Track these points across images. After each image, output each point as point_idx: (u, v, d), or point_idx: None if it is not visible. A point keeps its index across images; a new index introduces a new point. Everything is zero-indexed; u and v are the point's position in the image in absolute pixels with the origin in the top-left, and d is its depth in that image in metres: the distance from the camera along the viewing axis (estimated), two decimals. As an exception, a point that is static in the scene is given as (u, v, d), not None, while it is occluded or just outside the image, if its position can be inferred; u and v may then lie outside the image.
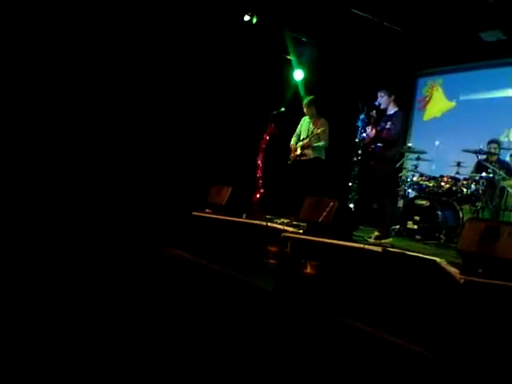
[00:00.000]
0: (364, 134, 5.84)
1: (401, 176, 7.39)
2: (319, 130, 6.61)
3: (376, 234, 5.56)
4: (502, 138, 7.82)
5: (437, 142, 7.83)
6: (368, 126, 5.74)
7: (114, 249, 4.89)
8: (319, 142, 6.70)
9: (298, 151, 6.77)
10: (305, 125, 6.95)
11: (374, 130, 5.61)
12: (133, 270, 4.28)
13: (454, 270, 3.82)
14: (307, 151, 6.74)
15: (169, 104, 7.45)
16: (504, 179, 6.43)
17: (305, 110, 6.93)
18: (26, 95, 6.13)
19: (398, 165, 6.58)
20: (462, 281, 3.62)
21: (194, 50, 7.51)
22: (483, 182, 6.44)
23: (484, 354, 3.04)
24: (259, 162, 7.02)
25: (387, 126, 5.57)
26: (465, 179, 6.72)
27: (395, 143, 5.64)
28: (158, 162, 7.29)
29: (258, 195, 6.97)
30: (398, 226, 6.77)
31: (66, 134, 6.41)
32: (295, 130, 7.05)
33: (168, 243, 5.56)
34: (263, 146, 7.02)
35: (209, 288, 4.15)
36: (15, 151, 5.95)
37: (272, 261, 5.61)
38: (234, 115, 7.95)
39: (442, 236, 6.29)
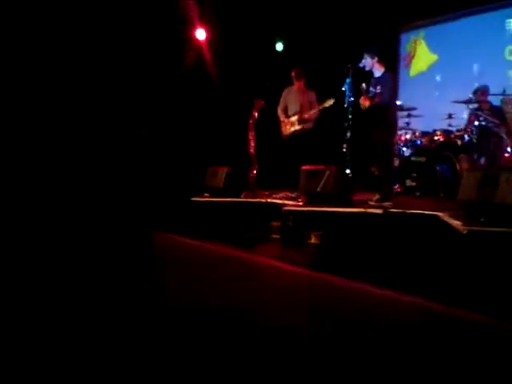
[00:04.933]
0: (352, 99, 5.82)
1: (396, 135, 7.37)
2: (325, 103, 6.50)
3: (377, 196, 5.57)
4: (491, 84, 7.74)
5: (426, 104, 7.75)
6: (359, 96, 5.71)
7: (113, 242, 4.90)
8: (313, 113, 6.66)
9: (296, 126, 6.72)
10: (292, 97, 6.88)
11: (367, 100, 5.58)
12: (133, 262, 4.30)
13: (456, 223, 3.83)
14: (306, 124, 6.69)
15: (153, 92, 7.38)
16: (498, 126, 6.40)
17: (294, 81, 6.86)
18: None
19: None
20: (465, 231, 3.64)
21: (172, 36, 7.43)
22: (477, 131, 6.42)
23: (491, 302, 3.06)
24: (251, 139, 6.98)
25: (378, 91, 5.54)
26: (458, 131, 6.70)
27: (390, 106, 5.63)
28: (150, 151, 7.26)
29: (253, 172, 6.96)
30: (397, 186, 6.78)
31: (55, 128, 6.34)
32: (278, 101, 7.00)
33: (169, 230, 5.57)
34: (252, 122, 6.98)
35: (214, 269, 4.17)
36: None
37: (276, 235, 5.63)
38: (219, 95, 7.88)
39: (441, 190, 6.30)
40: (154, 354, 2.45)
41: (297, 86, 6.84)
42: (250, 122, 6.99)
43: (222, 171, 6.86)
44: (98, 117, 6.82)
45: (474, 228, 3.66)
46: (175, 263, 4.41)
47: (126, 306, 3.03)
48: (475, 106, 6.79)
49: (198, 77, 7.76)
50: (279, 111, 6.96)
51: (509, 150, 6.25)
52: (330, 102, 6.39)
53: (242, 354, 2.41)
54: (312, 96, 6.71)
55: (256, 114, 6.97)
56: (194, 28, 7.82)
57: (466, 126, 6.69)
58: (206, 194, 6.93)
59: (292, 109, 6.81)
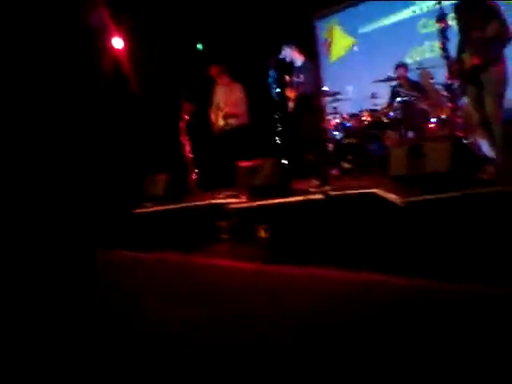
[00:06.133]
0: (278, 90, 5.94)
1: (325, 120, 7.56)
2: (240, 95, 6.57)
3: (316, 182, 5.71)
4: (408, 60, 8.11)
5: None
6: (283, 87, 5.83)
7: (49, 259, 4.74)
8: (240, 107, 6.70)
9: (221, 122, 6.70)
10: (220, 94, 6.87)
11: (292, 92, 5.69)
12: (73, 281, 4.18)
13: (393, 196, 4.01)
14: (231, 120, 6.70)
15: (76, 103, 7.17)
16: (419, 99, 6.71)
17: (217, 79, 6.86)
18: None
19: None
20: (402, 204, 3.82)
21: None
22: (400, 107, 6.70)
23: (438, 265, 3.24)
24: (184, 143, 6.94)
25: (300, 80, 5.67)
26: (382, 108, 6.96)
27: (315, 92, 5.78)
28: (82, 163, 7.05)
29: (192, 176, 6.94)
30: (334, 169, 6.97)
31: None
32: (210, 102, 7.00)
33: (109, 245, 5.46)
34: (183, 125, 6.94)
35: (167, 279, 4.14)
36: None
37: (225, 235, 5.66)
38: (146, 102, 7.78)
39: (376, 167, 6.53)
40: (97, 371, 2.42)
41: (221, 82, 6.82)
42: (182, 125, 6.95)
43: (161, 178, 6.78)
44: (31, 128, 6.55)
45: (409, 199, 3.85)
46: (123, 280, 4.34)
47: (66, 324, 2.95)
48: (395, 83, 7.09)
49: (123, 86, 7.62)
50: (211, 110, 6.94)
51: (433, 120, 6.58)
52: None
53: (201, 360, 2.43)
54: (237, 90, 6.71)
55: (187, 117, 6.94)
56: (111, 37, 7.67)
57: (389, 103, 6.98)
58: (148, 204, 6.82)
59: (221, 105, 6.80)
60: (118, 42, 7.73)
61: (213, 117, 6.86)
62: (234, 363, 2.33)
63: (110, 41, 7.67)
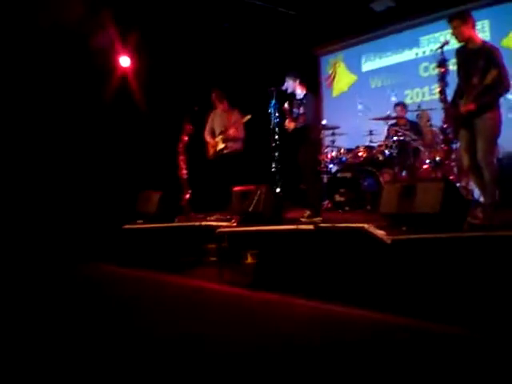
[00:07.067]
0: (277, 120, 6.03)
1: (321, 153, 7.64)
2: (244, 119, 6.71)
3: (308, 213, 5.73)
4: (407, 101, 8.27)
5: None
6: (284, 117, 5.92)
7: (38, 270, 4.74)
8: (241, 132, 6.81)
9: (221, 145, 6.82)
10: (218, 119, 7.00)
11: (292, 122, 5.78)
12: (60, 290, 4.18)
13: (381, 233, 4.03)
14: (230, 144, 6.81)
15: (80, 119, 7.26)
16: (415, 140, 6.82)
17: (216, 104, 7.00)
18: None
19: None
20: (389, 241, 3.84)
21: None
22: (396, 146, 6.80)
23: (423, 305, 3.25)
24: (181, 164, 7.00)
25: (301, 112, 5.76)
26: (379, 146, 7.05)
27: (314, 125, 5.87)
28: (78, 178, 7.09)
29: (186, 196, 6.96)
30: (326, 202, 7.02)
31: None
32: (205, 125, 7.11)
33: (101, 259, 5.46)
34: (182, 146, 7.01)
35: (148, 297, 4.13)
36: None
37: (213, 258, 5.65)
38: (148, 121, 7.87)
39: (368, 203, 6.58)
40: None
41: (220, 107, 6.98)
42: (180, 146, 7.01)
43: (155, 196, 6.80)
44: (22, 141, 6.61)
45: (397, 237, 3.88)
46: (110, 294, 4.32)
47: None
48: (393, 121, 7.21)
49: (126, 103, 7.72)
50: (206, 134, 7.05)
51: (427, 161, 6.67)
52: (247, 117, 6.66)
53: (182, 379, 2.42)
54: (236, 115, 6.86)
55: (186, 138, 7.01)
56: (118, 55, 7.80)
57: (385, 140, 7.07)
58: (140, 221, 6.82)
59: (218, 130, 6.93)
60: (124, 61, 7.85)
61: (208, 139, 6.98)
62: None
63: (116, 59, 7.81)
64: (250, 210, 5.43)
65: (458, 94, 4.54)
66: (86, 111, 7.30)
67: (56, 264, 5.34)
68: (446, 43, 4.71)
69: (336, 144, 7.62)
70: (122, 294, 4.25)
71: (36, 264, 5.27)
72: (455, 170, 5.88)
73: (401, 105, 7.47)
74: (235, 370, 2.41)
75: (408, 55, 8.71)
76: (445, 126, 5.22)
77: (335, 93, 9.87)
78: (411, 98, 8.52)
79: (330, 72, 9.96)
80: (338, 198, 6.90)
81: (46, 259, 5.46)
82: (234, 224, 5.65)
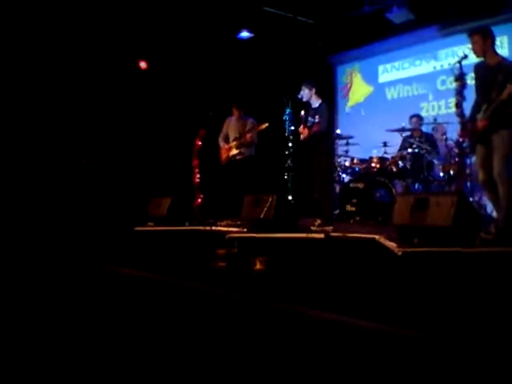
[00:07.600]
0: (292, 128, 6.05)
1: (334, 162, 7.63)
2: (260, 127, 6.77)
3: (318, 221, 5.73)
4: (423, 113, 8.23)
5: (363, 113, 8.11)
6: (299, 125, 5.94)
7: (53, 271, 4.77)
8: (254, 139, 6.87)
9: (234, 151, 6.87)
10: (233, 126, 7.06)
11: (306, 129, 5.82)
12: (76, 291, 4.20)
13: (391, 244, 4.01)
14: (243, 150, 6.86)
15: (95, 120, 7.34)
16: (429, 152, 6.77)
17: (233, 112, 7.05)
18: None
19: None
20: (399, 253, 3.82)
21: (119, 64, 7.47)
22: (410, 158, 6.76)
23: (430, 319, 3.22)
24: (194, 168, 7.04)
25: (316, 120, 5.79)
26: (392, 157, 7.02)
27: (328, 134, 5.88)
28: (91, 181, 7.16)
29: (198, 201, 7.00)
30: (337, 211, 6.99)
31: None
32: (220, 131, 7.16)
33: (112, 261, 5.48)
34: (196, 151, 7.06)
35: (157, 300, 4.13)
36: None
37: (222, 263, 5.64)
38: (162, 125, 7.93)
39: (379, 214, 6.55)
40: None
41: (236, 115, 7.05)
42: (194, 150, 7.07)
43: (167, 200, 6.84)
44: (38, 145, 6.69)
45: (407, 249, 3.85)
46: (119, 296, 4.34)
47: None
48: (408, 133, 7.17)
49: (141, 106, 7.79)
50: (220, 139, 7.11)
51: (441, 174, 6.63)
52: (264, 125, 6.68)
53: None
54: (251, 123, 6.92)
55: (200, 143, 7.06)
56: (136, 58, 7.89)
57: (399, 152, 7.04)
58: (150, 224, 6.86)
59: (232, 136, 6.99)
60: (142, 65, 7.95)
61: (222, 145, 7.02)
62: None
63: (133, 63, 7.90)
64: (262, 216, 5.43)
65: (476, 109, 4.51)
66: (102, 116, 7.38)
67: (70, 265, 5.37)
68: (465, 57, 4.70)
69: (349, 154, 7.59)
70: (126, 295, 4.27)
71: (47, 264, 5.30)
72: (468, 184, 5.86)
73: (416, 116, 7.43)
74: (238, 376, 2.40)
75: (426, 68, 8.67)
76: (460, 139, 5.20)
77: (351, 103, 9.84)
78: (427, 111, 8.47)
79: (347, 82, 9.94)
80: (349, 207, 6.87)
81: (59, 260, 5.50)
82: (245, 230, 5.66)
